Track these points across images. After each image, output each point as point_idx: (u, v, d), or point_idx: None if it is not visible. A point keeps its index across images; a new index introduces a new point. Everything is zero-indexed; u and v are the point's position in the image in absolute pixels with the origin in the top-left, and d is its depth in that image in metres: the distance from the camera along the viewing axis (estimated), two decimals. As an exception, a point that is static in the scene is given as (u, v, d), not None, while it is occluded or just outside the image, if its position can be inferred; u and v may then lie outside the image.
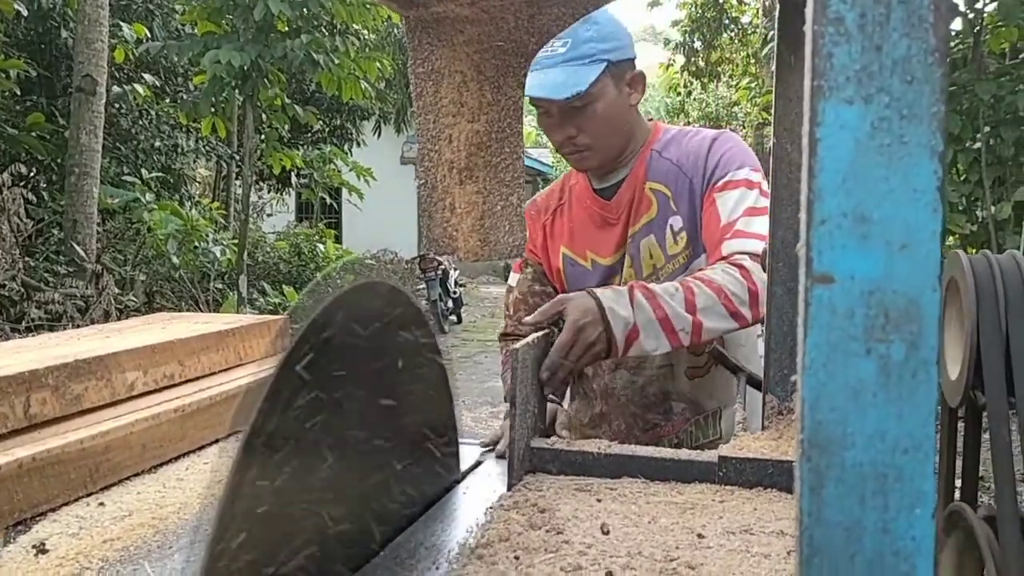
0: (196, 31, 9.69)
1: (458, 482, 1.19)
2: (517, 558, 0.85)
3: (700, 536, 0.93)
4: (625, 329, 1.33)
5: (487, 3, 1.14)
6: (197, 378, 1.55)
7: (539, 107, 1.62)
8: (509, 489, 1.14)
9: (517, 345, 1.18)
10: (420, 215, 1.21)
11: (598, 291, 1.36)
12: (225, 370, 1.64)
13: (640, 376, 1.73)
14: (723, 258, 1.47)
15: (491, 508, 1.05)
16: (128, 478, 1.25)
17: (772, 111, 1.25)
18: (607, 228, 1.72)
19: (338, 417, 0.82)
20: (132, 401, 1.36)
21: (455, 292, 12.28)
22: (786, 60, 1.20)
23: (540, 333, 1.29)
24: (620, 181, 1.70)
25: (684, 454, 1.19)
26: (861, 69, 0.40)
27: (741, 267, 1.42)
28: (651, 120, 1.77)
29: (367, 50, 10.33)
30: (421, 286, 13.29)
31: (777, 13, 1.17)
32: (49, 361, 1.21)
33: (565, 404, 1.78)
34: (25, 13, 7.92)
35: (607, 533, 0.93)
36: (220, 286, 10.12)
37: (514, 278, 1.86)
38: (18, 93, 8.31)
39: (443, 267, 11.97)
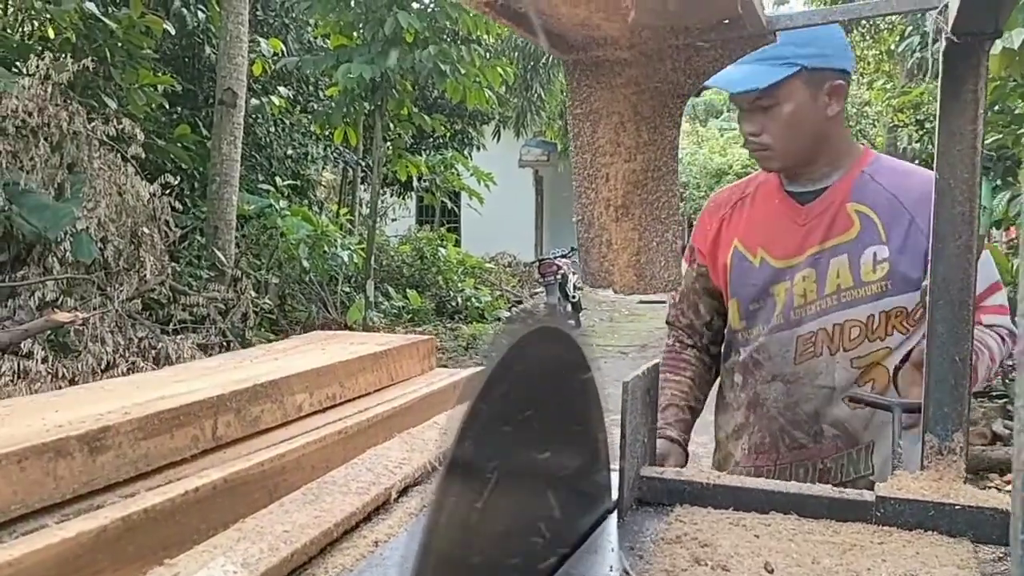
0: (328, 43, 10.07)
1: (610, 511, 1.22)
2: (687, 598, 0.88)
3: (866, 582, 0.93)
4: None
5: (645, 47, 1.17)
6: (355, 398, 1.63)
7: (734, 101, 1.68)
8: (620, 516, 1.17)
9: (627, 377, 1.20)
10: (578, 250, 1.25)
11: None
12: (379, 390, 1.72)
13: (797, 390, 1.70)
14: (989, 326, 1.63)
15: (649, 541, 1.08)
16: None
17: (935, 144, 1.22)
18: (790, 231, 1.72)
19: (520, 448, 0.87)
20: (300, 422, 1.45)
21: (574, 296, 12.29)
22: (951, 95, 1.18)
23: (651, 364, 1.29)
24: (820, 191, 1.70)
25: (839, 492, 1.19)
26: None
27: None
28: (862, 144, 1.79)
29: (488, 56, 10.48)
30: (539, 290, 13.34)
31: (942, 51, 1.15)
32: (232, 386, 1.31)
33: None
34: (172, 31, 8.40)
35: (771, 572, 0.95)
36: (347, 289, 10.47)
37: (683, 267, 1.87)
38: (166, 106, 8.84)
39: (562, 271, 11.99)
